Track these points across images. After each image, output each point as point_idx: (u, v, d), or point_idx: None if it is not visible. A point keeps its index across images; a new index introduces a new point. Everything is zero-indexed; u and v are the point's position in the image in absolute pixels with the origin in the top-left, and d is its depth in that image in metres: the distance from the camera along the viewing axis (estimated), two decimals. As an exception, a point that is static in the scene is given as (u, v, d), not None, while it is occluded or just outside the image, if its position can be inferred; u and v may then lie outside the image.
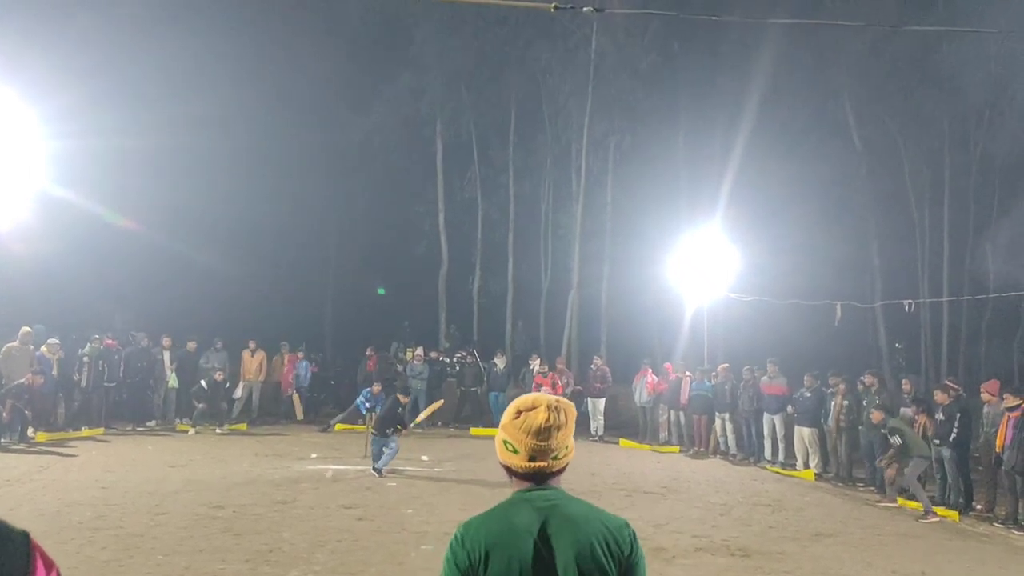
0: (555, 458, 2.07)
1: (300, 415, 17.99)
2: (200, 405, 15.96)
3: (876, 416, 11.65)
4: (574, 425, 2.12)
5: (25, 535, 0.83)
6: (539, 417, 2.05)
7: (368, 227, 25.14)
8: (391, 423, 12.01)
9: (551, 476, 2.10)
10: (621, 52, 21.77)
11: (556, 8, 7.16)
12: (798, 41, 20.40)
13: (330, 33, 22.39)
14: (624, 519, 2.11)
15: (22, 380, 13.31)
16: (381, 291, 15.85)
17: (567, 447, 2.10)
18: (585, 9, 7.54)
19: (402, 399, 12.58)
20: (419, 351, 18.47)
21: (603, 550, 1.99)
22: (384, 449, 11.89)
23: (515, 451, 2.08)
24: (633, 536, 2.08)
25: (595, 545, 1.99)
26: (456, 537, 2.03)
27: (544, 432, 2.04)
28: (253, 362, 17.61)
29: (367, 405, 15.26)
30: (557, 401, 2.10)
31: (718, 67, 22.04)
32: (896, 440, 11.12)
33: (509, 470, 2.12)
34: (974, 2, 17.98)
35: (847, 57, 20.58)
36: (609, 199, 22.97)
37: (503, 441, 2.12)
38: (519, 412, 2.09)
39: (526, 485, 2.09)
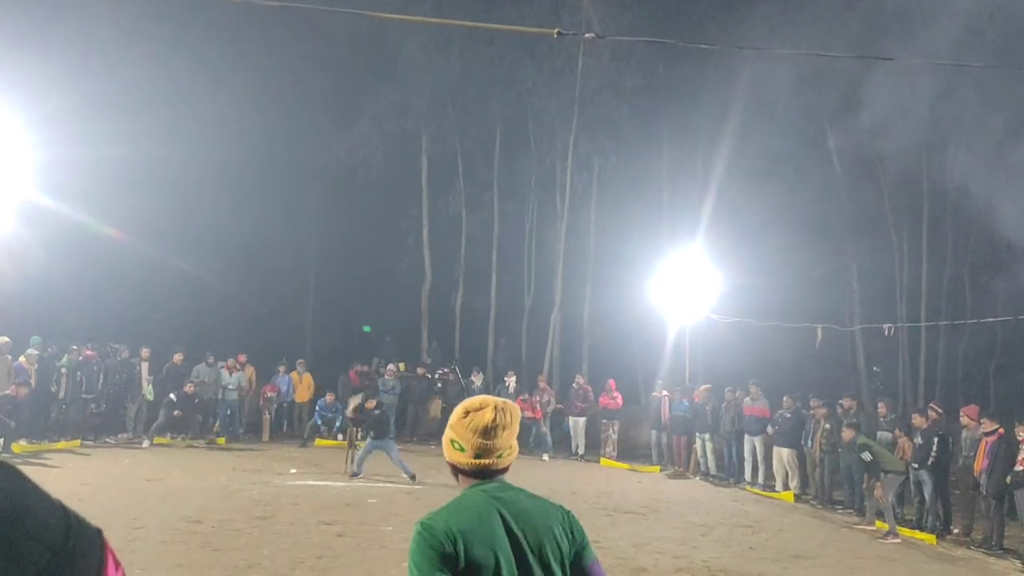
0: (499, 456, 2.19)
1: (266, 436, 17.39)
2: (164, 417, 15.67)
3: (847, 434, 11.79)
4: (519, 427, 2.24)
5: (99, 531, 0.88)
6: (486, 417, 2.17)
7: (351, 242, 25.09)
8: (372, 425, 12.70)
9: (495, 474, 2.21)
10: (606, 74, 21.98)
11: (559, 34, 7.26)
12: (781, 65, 20.67)
13: (316, 48, 22.41)
14: (559, 504, 2.27)
15: (7, 391, 13.20)
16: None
17: (511, 447, 2.22)
18: (587, 35, 7.66)
19: (368, 404, 12.97)
20: (391, 367, 18.46)
21: (561, 531, 2.16)
22: (391, 454, 12.59)
23: (462, 449, 2.19)
24: (571, 516, 2.25)
25: (553, 527, 2.15)
26: (425, 526, 2.08)
27: (491, 431, 2.16)
28: (243, 377, 17.46)
29: (322, 416, 15.43)
30: (504, 403, 2.23)
31: (701, 90, 22.27)
32: (866, 456, 11.20)
33: (455, 468, 2.24)
34: (953, 34, 18.29)
35: (827, 81, 20.86)
36: (593, 219, 23.10)
37: (450, 440, 2.22)
38: (467, 412, 2.21)
39: (472, 482, 2.21)
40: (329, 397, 16.25)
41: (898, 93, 20.15)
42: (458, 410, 2.24)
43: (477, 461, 2.17)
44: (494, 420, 2.16)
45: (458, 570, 2.01)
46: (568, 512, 2.25)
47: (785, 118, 21.50)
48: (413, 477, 12.55)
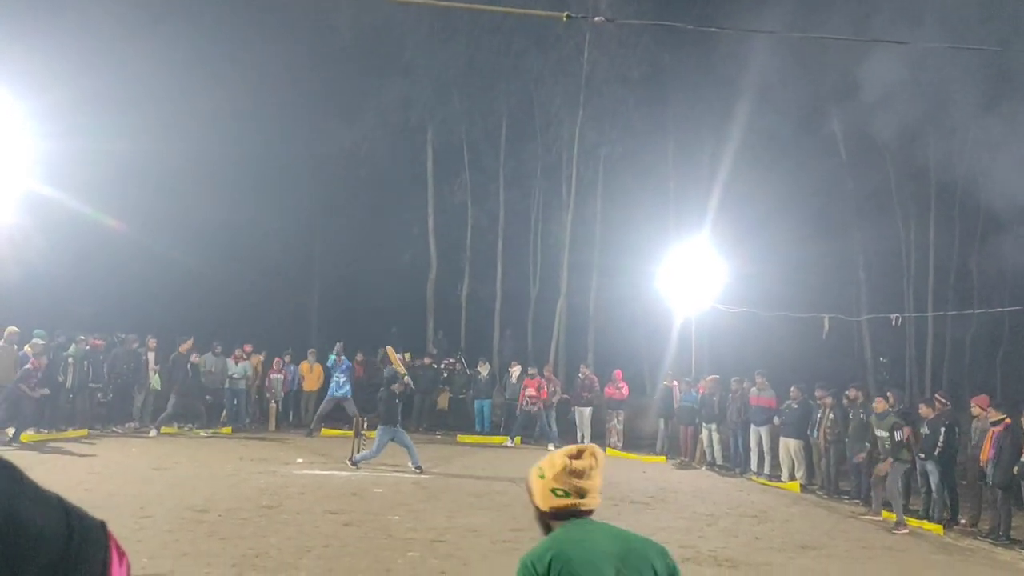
0: (592, 497, 2.34)
1: (272, 426, 17.47)
2: (172, 408, 15.81)
3: (879, 404, 11.67)
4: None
5: (102, 524, 0.84)
6: (585, 462, 2.33)
7: (356, 232, 25.07)
8: (383, 409, 12.71)
9: (584, 515, 2.34)
10: (613, 63, 21.88)
11: (568, 17, 7.21)
12: (786, 53, 20.55)
13: (322, 38, 22.36)
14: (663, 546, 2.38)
15: (27, 366, 13.31)
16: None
17: (599, 489, 2.36)
18: (596, 19, 7.62)
19: (396, 389, 12.97)
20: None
21: (663, 565, 2.28)
22: (403, 441, 12.64)
23: (566, 495, 2.31)
24: (668, 553, 2.37)
25: (654, 563, 2.27)
26: (524, 564, 2.20)
27: (588, 473, 2.32)
28: (249, 366, 17.49)
29: (338, 381, 15.61)
30: (593, 447, 2.39)
31: (707, 78, 22.16)
32: (898, 435, 11.08)
33: (552, 515, 2.34)
34: (964, 20, 18.15)
35: (834, 69, 20.74)
36: (599, 208, 23.05)
37: (551, 490, 2.32)
38: (568, 460, 2.33)
39: (563, 524, 2.32)
40: (338, 349, 16.65)
41: (904, 77, 20.02)
42: (557, 463, 2.34)
43: (580, 501, 2.31)
44: (591, 465, 2.32)
45: None
46: (666, 551, 2.36)
47: (791, 105, 21.41)
48: (419, 468, 12.55)
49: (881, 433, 11.36)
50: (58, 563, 0.74)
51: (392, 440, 12.64)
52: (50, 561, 0.73)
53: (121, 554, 0.84)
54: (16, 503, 0.75)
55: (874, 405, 11.90)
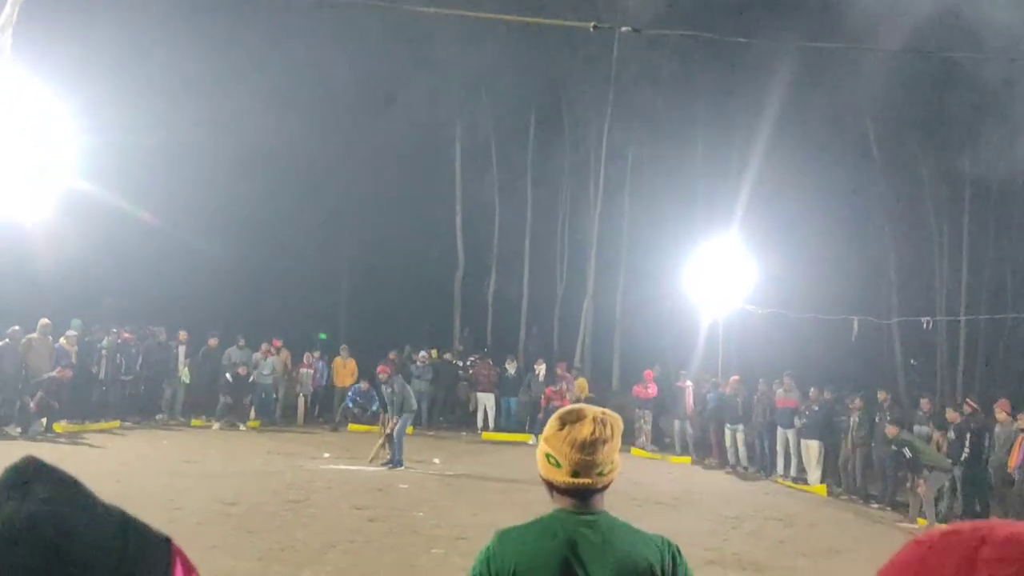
0: (600, 474, 1.95)
1: (300, 420, 17.69)
2: (224, 399, 16.11)
3: (891, 430, 11.57)
4: (620, 440, 2.01)
5: (167, 541, 0.84)
6: (584, 430, 1.94)
7: (384, 228, 25.20)
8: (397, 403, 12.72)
9: (595, 493, 1.99)
10: (642, 62, 21.79)
11: (596, 28, 7.22)
12: (819, 57, 20.34)
13: (352, 35, 22.47)
14: (664, 537, 2.04)
15: (52, 373, 13.53)
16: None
17: (612, 462, 1.98)
18: (624, 29, 7.63)
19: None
20: (422, 353, 18.56)
21: (659, 570, 1.94)
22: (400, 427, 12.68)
23: (558, 465, 1.97)
24: (674, 554, 2.00)
25: (641, 570, 1.93)
26: (488, 550, 1.99)
27: (590, 446, 1.93)
28: (278, 361, 17.65)
29: (354, 401, 15.56)
30: (604, 413, 2.00)
31: (738, 79, 22.00)
32: (906, 452, 11.02)
33: (551, 485, 2.01)
34: (1007, 26, 17.85)
35: (869, 74, 20.50)
36: (626, 207, 22.98)
37: (546, 454, 2.00)
38: (563, 424, 1.98)
39: (568, 502, 1.99)
40: (364, 385, 16.36)
41: (939, 83, 19.75)
42: (553, 421, 2.02)
43: (575, 480, 1.94)
44: (593, 433, 1.93)
45: None
46: (671, 548, 2.00)
47: (823, 108, 21.18)
48: (394, 463, 12.50)
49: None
50: (112, 574, 0.74)
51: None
52: (103, 574, 0.73)
53: (188, 571, 0.84)
54: (72, 516, 0.75)
55: (887, 429, 11.67)
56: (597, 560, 1.90)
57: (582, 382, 16.65)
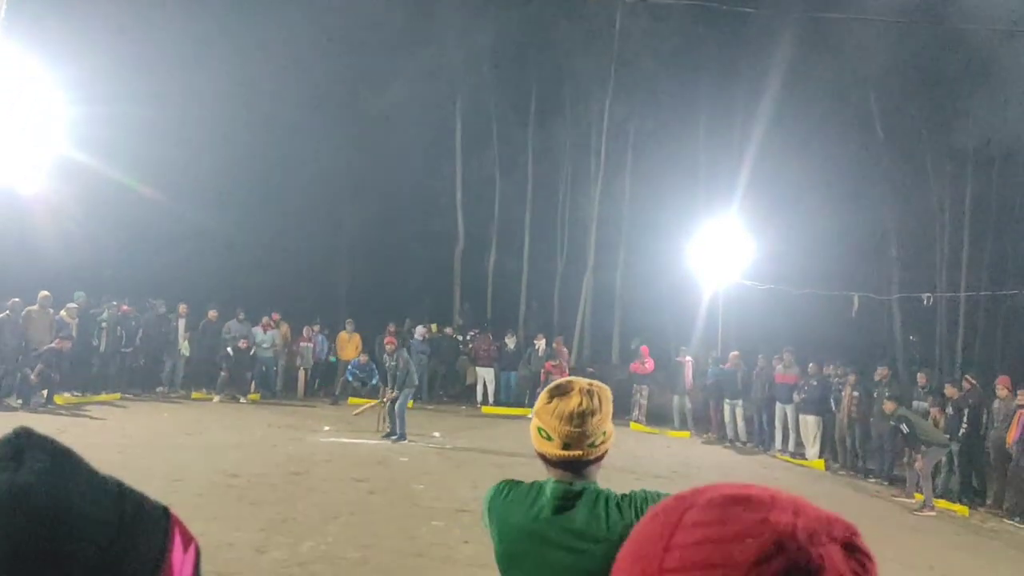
0: (591, 445, 1.95)
1: (301, 393, 17.79)
2: (223, 373, 16.16)
3: (889, 406, 11.60)
4: (611, 409, 2.01)
5: (165, 511, 0.83)
6: (572, 402, 1.94)
7: (384, 201, 25.12)
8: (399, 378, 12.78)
9: (587, 464, 1.98)
10: (644, 36, 21.61)
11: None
12: (822, 29, 20.17)
13: (352, 7, 22.26)
14: (646, 495, 1.98)
15: (52, 344, 13.56)
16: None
17: (604, 433, 1.98)
18: (627, -1, 7.52)
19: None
20: (420, 328, 18.59)
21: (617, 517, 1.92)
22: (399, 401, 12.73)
23: (549, 438, 1.96)
24: (640, 502, 1.95)
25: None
26: (488, 499, 2.13)
27: (578, 418, 1.92)
28: (278, 335, 17.67)
29: (353, 374, 15.60)
30: (591, 384, 1.99)
31: (740, 53, 21.84)
32: (903, 428, 11.05)
33: (544, 458, 2.01)
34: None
35: (872, 47, 20.33)
36: (627, 183, 22.91)
37: (537, 428, 2.00)
38: (551, 397, 1.98)
39: (561, 474, 1.99)
40: (363, 358, 16.40)
41: (943, 56, 19.57)
42: (543, 395, 2.02)
43: (566, 452, 1.94)
44: (581, 404, 1.92)
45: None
46: (638, 506, 1.94)
47: (826, 82, 21.04)
48: (398, 436, 12.59)
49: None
50: (107, 549, 0.72)
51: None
52: (98, 548, 0.72)
53: (188, 541, 0.83)
54: (67, 488, 0.74)
55: (884, 405, 11.66)
56: (566, 532, 1.92)
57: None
